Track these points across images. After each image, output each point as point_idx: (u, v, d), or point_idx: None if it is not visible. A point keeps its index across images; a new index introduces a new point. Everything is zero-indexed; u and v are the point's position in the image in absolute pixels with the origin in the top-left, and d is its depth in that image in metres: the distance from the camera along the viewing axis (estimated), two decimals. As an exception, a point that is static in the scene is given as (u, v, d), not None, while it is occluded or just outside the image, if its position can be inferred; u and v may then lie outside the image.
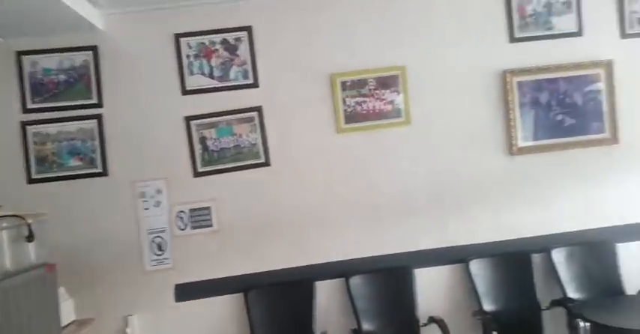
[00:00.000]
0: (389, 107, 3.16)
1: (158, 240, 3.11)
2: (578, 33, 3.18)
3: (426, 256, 3.17)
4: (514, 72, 3.17)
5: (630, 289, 3.11)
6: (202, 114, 3.12)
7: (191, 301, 3.09)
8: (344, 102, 3.14)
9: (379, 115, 3.16)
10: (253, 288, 3.08)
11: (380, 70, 3.15)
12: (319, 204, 3.17)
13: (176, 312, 3.08)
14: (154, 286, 3.08)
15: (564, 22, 3.17)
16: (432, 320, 3.02)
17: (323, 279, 3.12)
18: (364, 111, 3.15)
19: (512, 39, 3.18)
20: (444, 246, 3.19)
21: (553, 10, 3.16)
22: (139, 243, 3.09)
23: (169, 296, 3.08)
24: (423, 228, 3.20)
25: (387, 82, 3.15)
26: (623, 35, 3.21)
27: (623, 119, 3.21)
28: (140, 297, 3.07)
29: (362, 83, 3.15)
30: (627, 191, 3.25)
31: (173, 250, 3.10)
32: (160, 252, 3.11)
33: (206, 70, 3.12)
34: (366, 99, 3.15)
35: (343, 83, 3.13)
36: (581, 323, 2.82)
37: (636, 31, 3.20)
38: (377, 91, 3.15)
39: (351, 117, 3.15)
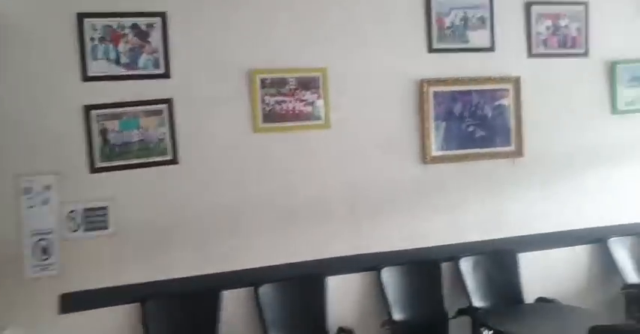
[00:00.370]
0: (309, 109, 2.98)
1: (43, 243, 2.66)
2: (491, 49, 3.23)
3: (339, 263, 3.01)
4: (430, 82, 3.14)
5: (528, 298, 3.16)
6: (105, 104, 2.73)
7: (79, 313, 2.66)
8: (263, 100, 2.91)
9: (299, 116, 2.97)
10: (152, 298, 2.72)
11: (301, 70, 2.97)
12: (230, 207, 2.89)
13: (60, 326, 2.64)
14: (35, 296, 2.62)
15: (479, 37, 3.20)
16: (341, 330, 2.87)
17: (230, 288, 2.84)
18: (283, 111, 2.94)
19: (431, 49, 3.15)
20: (357, 253, 3.04)
21: (469, 24, 3.18)
22: (19, 246, 2.62)
23: (53, 307, 2.64)
24: (337, 234, 3.03)
25: (308, 83, 2.97)
26: (530, 54, 3.30)
27: (528, 133, 3.28)
28: (16, 309, 2.59)
29: (282, 82, 2.94)
30: (529, 203, 3.32)
31: (61, 255, 2.66)
32: (44, 257, 2.65)
33: (112, 56, 2.75)
34: (285, 98, 2.94)
35: (263, 80, 2.91)
36: (485, 332, 2.81)
37: (541, 52, 3.31)
38: (297, 91, 2.96)
39: (270, 116, 2.93)
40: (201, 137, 2.86)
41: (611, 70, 3.39)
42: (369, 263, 3.05)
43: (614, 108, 3.42)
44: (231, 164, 2.90)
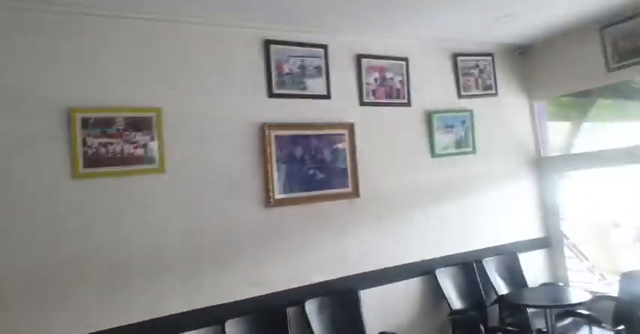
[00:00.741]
0: (140, 151, 2.59)
1: None
2: (327, 96, 3.21)
3: (177, 321, 2.60)
4: (272, 126, 2.99)
5: (371, 333, 3.06)
6: None
7: None
8: (84, 142, 2.45)
9: (128, 160, 2.56)
10: None
11: (131, 110, 2.58)
12: (40, 267, 2.33)
13: None
14: None
15: (316, 85, 3.16)
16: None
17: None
18: (110, 155, 2.51)
19: (271, 94, 3.02)
20: (197, 307, 2.67)
21: (306, 72, 3.13)
22: None
23: None
24: (175, 288, 2.63)
25: (139, 124, 2.59)
26: (362, 103, 3.36)
27: (363, 175, 3.29)
28: None
29: (109, 122, 2.52)
30: (367, 241, 3.29)
31: None
32: None
33: None
34: (112, 140, 2.52)
35: (84, 120, 2.46)
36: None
37: (371, 101, 3.39)
38: (127, 133, 2.56)
39: (93, 160, 2.47)
40: (3, 185, 2.27)
41: (429, 118, 3.62)
42: (211, 317, 2.69)
43: (433, 153, 3.63)
44: (43, 216, 2.36)
